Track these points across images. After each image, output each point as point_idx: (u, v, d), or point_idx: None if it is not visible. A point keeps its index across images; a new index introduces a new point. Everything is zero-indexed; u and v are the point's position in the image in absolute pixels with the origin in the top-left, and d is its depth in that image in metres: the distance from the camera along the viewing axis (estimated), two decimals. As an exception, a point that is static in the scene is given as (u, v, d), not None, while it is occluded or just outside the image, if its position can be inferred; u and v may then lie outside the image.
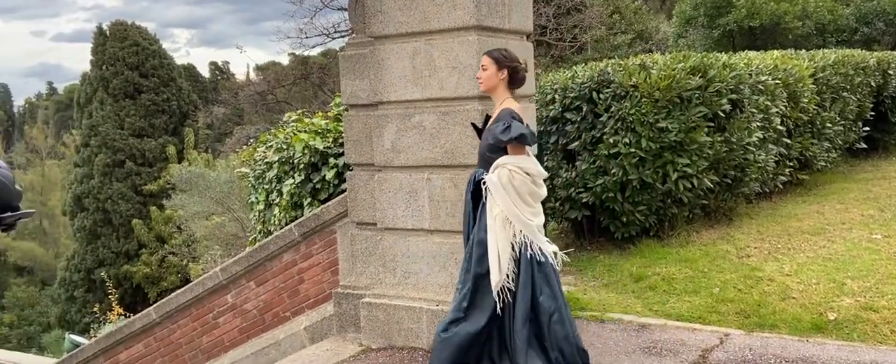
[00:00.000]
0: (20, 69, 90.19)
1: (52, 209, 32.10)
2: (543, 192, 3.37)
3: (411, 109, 4.05)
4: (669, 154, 5.16)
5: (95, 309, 15.90)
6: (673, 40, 16.84)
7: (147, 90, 23.05)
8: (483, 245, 3.29)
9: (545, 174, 3.41)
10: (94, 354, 6.21)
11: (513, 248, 3.25)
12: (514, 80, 3.42)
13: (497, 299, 3.22)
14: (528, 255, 3.25)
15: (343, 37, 14.98)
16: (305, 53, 19.00)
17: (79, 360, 6.29)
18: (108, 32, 23.55)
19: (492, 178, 3.26)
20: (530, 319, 3.27)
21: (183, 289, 5.80)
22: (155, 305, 6.02)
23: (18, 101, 57.00)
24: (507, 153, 3.27)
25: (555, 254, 3.33)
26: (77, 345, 8.32)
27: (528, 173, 3.28)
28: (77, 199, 22.97)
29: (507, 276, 3.24)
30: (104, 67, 22.80)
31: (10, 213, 1.15)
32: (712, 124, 5.36)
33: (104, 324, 12.97)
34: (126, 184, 22.53)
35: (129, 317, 9.02)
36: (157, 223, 21.60)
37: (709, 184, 5.38)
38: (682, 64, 5.33)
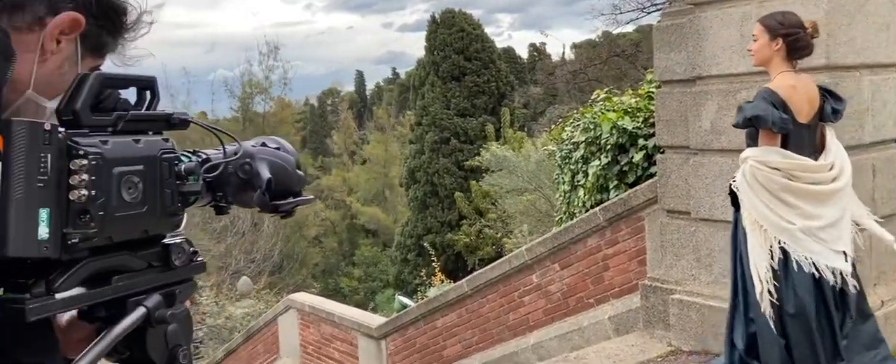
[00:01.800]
0: (373, 57, 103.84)
1: (392, 179, 36.37)
2: (818, 187, 2.83)
3: (736, 85, 3.53)
4: None
5: (422, 273, 17.56)
6: None
7: (470, 72, 24.74)
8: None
9: (811, 164, 2.86)
10: (414, 318, 6.76)
11: (772, 258, 2.77)
12: (794, 49, 2.90)
13: (768, 318, 2.74)
14: (796, 268, 2.73)
15: (658, 10, 14.26)
16: (617, 31, 18.53)
17: (403, 322, 6.89)
18: (439, 20, 25.70)
19: (737, 176, 2.84)
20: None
21: (491, 265, 5.98)
22: (467, 278, 6.32)
23: (369, 85, 65.53)
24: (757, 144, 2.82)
25: (835, 271, 2.76)
26: (405, 306, 9.22)
27: (774, 167, 2.78)
28: (411, 173, 25.68)
29: (770, 292, 2.75)
30: (435, 53, 24.98)
31: (290, 200, 1.09)
32: None
33: (429, 287, 14.30)
34: (451, 159, 24.52)
35: (450, 282, 9.78)
36: (476, 197, 23.14)
37: None
38: None
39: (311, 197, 1.24)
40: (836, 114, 3.03)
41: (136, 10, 1.05)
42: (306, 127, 49.42)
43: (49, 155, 0.86)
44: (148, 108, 1.02)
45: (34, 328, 0.97)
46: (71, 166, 0.88)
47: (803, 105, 2.95)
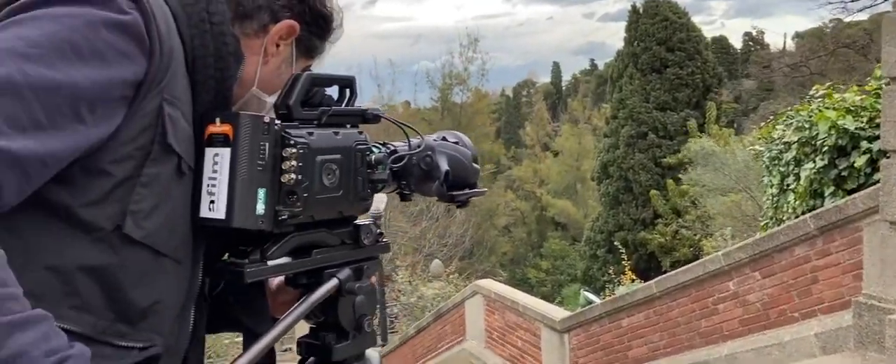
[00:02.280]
0: (571, 48, 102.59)
1: (584, 173, 35.85)
2: None
3: None
4: None
5: (610, 270, 17.17)
6: None
7: (672, 64, 23.60)
8: None
9: None
10: (599, 315, 6.67)
11: None
12: None
13: None
14: None
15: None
16: (848, 19, 16.65)
17: (588, 318, 6.83)
18: (640, 10, 24.80)
19: None
20: None
21: (684, 268, 5.74)
22: (656, 280, 6.12)
23: (566, 77, 64.94)
24: None
25: None
26: (590, 301, 9.14)
27: None
28: (603, 167, 25.13)
29: None
30: (635, 44, 24.15)
31: (466, 191, 1.20)
32: None
33: (617, 285, 13.96)
34: (647, 155, 23.62)
35: (641, 282, 9.47)
36: (673, 195, 22.10)
37: None
38: None
39: (484, 189, 1.35)
40: None
41: (339, 16, 1.18)
42: (501, 117, 50.18)
43: (267, 143, 1.01)
44: (347, 104, 1.17)
45: (252, 290, 1.14)
46: (283, 153, 1.03)
47: None
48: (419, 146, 1.23)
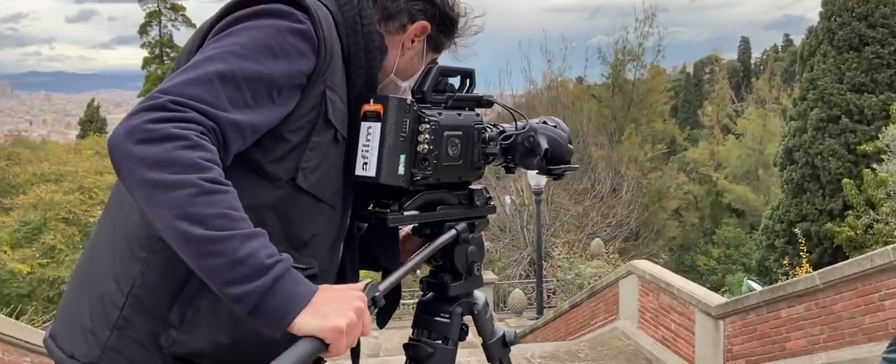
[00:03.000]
0: (764, 22, 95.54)
1: (767, 158, 33.53)
2: None
3: None
4: None
5: (784, 262, 16.17)
6: None
7: (872, 42, 21.27)
8: None
9: None
10: (757, 304, 6.49)
11: None
12: None
13: None
14: None
15: None
16: None
17: (744, 305, 6.66)
18: (842, -19, 22.57)
19: None
20: None
21: (849, 261, 5.45)
22: (820, 271, 5.86)
23: (755, 54, 60.50)
24: None
25: None
26: (752, 290, 8.79)
27: None
28: (788, 152, 23.38)
29: None
30: (831, 19, 22.04)
31: (561, 166, 1.50)
32: None
33: (790, 278, 13.15)
34: (838, 140, 21.65)
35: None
36: (868, 186, 20.14)
37: None
38: None
39: (577, 165, 1.64)
40: None
41: (465, 19, 1.49)
42: (678, 95, 47.99)
43: (408, 120, 1.34)
44: (466, 92, 1.48)
45: (389, 235, 1.48)
46: (419, 128, 1.35)
47: None
48: (524, 127, 1.51)
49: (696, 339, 7.41)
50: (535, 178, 13.71)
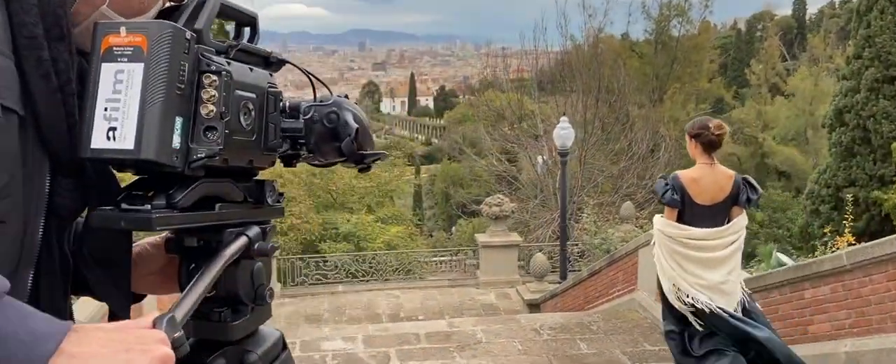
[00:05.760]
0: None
1: (817, 119, 32.06)
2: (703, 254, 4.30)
3: None
4: None
5: (826, 230, 15.40)
6: None
7: (937, -4, 19.81)
8: None
9: (697, 232, 4.30)
10: (779, 283, 6.00)
11: None
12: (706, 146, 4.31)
13: None
14: None
15: None
16: None
17: (766, 284, 6.17)
18: (908, -71, 20.92)
19: None
20: None
21: (880, 240, 4.92)
22: (847, 251, 5.35)
23: (812, 9, 57.61)
24: None
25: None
26: (782, 264, 8.22)
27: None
28: (838, 113, 22.16)
29: None
30: (894, -29, 20.57)
31: (372, 152, 1.04)
32: None
33: (830, 248, 12.43)
34: (893, 103, 20.41)
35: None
36: (923, 150, 19.04)
37: None
38: None
39: (385, 152, 1.16)
40: (750, 202, 4.34)
41: None
42: (727, 53, 46.15)
43: (186, 63, 0.85)
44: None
45: (118, 250, 0.97)
46: (203, 79, 0.87)
47: (705, 190, 4.28)
48: (324, 101, 1.07)
49: (714, 315, 6.95)
50: (561, 138, 13.17)
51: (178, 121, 0.85)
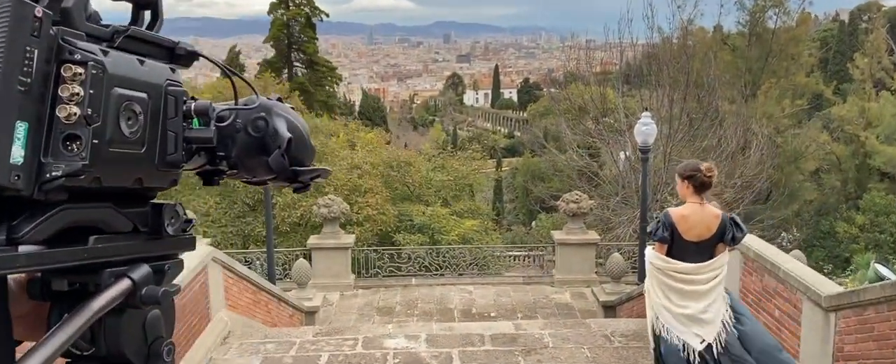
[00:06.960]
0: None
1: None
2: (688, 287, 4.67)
3: None
4: None
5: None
6: None
7: None
8: None
9: (682, 266, 4.73)
10: (878, 299, 5.48)
11: None
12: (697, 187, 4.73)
13: None
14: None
15: None
16: None
17: (862, 299, 5.67)
18: None
19: None
20: None
21: None
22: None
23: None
24: None
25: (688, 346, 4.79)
26: (882, 278, 7.60)
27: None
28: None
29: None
30: None
31: (310, 168, 0.84)
32: None
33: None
34: None
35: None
36: None
37: None
38: None
39: (328, 168, 0.92)
40: (735, 239, 4.75)
41: None
42: (828, 46, 43.57)
43: (36, 51, 0.66)
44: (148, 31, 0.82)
45: None
46: (62, 72, 0.68)
47: (693, 228, 4.68)
48: (249, 105, 0.85)
49: (802, 331, 6.46)
50: (642, 135, 12.67)
51: (21, 127, 0.65)
